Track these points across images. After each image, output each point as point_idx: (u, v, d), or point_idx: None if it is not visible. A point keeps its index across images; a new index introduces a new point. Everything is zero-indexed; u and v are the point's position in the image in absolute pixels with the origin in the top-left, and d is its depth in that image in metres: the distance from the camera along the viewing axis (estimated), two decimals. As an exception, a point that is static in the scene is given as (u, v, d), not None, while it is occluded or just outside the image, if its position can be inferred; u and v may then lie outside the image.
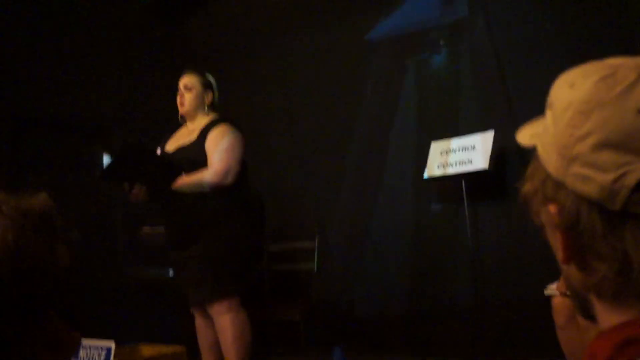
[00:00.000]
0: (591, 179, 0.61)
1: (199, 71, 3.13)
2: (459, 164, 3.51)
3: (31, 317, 0.78)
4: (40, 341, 0.80)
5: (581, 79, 0.65)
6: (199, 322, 3.05)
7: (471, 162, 3.46)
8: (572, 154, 0.63)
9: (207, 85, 3.10)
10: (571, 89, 0.65)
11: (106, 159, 2.89)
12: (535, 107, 0.79)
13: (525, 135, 0.72)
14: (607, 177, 0.60)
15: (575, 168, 0.62)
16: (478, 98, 3.87)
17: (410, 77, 4.21)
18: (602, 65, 0.65)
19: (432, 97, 4.10)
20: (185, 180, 2.85)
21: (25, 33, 4.40)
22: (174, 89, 3.12)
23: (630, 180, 0.59)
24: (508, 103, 3.69)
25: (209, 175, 2.86)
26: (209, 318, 2.95)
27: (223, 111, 3.15)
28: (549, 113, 0.67)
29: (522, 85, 3.64)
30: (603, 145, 0.61)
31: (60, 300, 0.83)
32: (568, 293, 0.74)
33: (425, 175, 3.66)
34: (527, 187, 0.70)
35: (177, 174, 2.83)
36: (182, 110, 3.07)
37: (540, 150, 0.68)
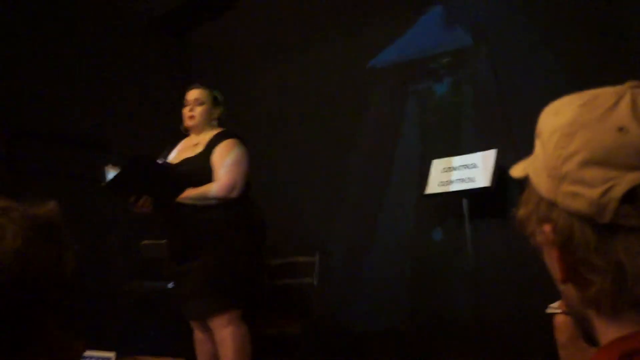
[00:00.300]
0: (580, 195, 0.64)
1: (208, 87, 3.17)
2: (461, 181, 3.52)
3: (37, 325, 0.79)
4: (46, 349, 0.80)
5: (564, 106, 0.70)
6: (198, 335, 3.05)
7: (473, 179, 3.47)
8: (561, 173, 0.66)
9: (216, 101, 3.14)
10: (556, 116, 0.69)
11: (108, 171, 2.87)
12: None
13: (518, 170, 0.77)
14: (595, 192, 0.63)
15: (565, 186, 0.66)
16: (480, 126, 3.88)
17: (413, 105, 4.24)
18: (584, 94, 0.70)
19: (433, 124, 4.12)
20: (191, 193, 2.87)
21: (27, 44, 4.43)
22: (175, 102, 3.15)
23: (617, 193, 0.62)
24: (509, 131, 3.69)
25: (215, 188, 2.88)
26: (208, 331, 2.94)
27: (228, 126, 3.18)
28: (537, 142, 0.72)
29: (524, 114, 3.65)
30: (589, 162, 0.64)
31: (66, 309, 0.84)
32: (569, 312, 0.76)
33: (426, 191, 3.67)
34: (522, 212, 0.73)
35: (184, 186, 2.84)
36: (190, 122, 3.10)
37: (532, 176, 0.72)
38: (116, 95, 4.86)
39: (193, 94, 3.11)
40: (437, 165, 3.71)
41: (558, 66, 3.56)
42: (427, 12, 4.24)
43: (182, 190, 2.85)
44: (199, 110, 3.08)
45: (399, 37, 4.35)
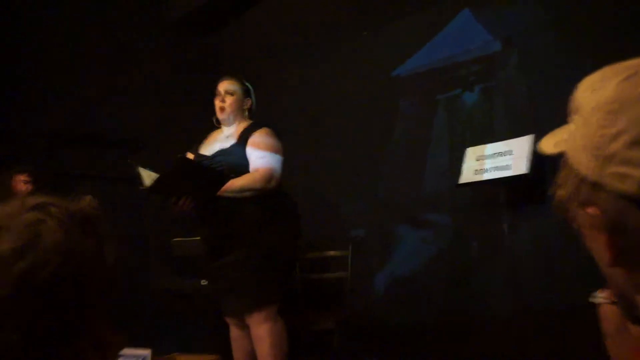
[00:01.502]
0: (629, 176, 0.62)
1: (238, 77, 3.17)
2: (496, 169, 3.48)
3: (79, 318, 0.80)
4: (88, 342, 0.81)
5: (602, 82, 0.67)
6: (234, 331, 3.07)
7: (509, 167, 3.42)
8: (607, 153, 0.63)
9: (246, 92, 3.15)
10: (595, 92, 0.67)
11: (142, 173, 2.91)
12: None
13: (548, 144, 0.74)
14: None
15: (612, 167, 0.63)
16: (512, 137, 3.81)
17: (441, 114, 4.18)
18: (620, 67, 0.67)
19: (464, 135, 4.04)
20: (229, 186, 2.88)
21: (61, 49, 4.52)
22: (206, 99, 3.17)
23: None
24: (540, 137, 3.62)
25: (253, 179, 2.89)
26: (244, 327, 2.96)
27: (259, 118, 3.20)
28: (574, 118, 0.69)
29: (555, 122, 3.57)
30: (637, 142, 0.62)
31: (107, 302, 0.85)
32: (616, 299, 0.74)
33: (460, 180, 3.63)
34: (561, 194, 0.71)
35: (224, 182, 2.86)
36: (222, 114, 3.11)
37: (570, 155, 0.69)
38: (148, 95, 4.93)
39: (223, 85, 3.12)
40: (471, 153, 3.66)
41: (591, 70, 3.46)
42: (453, 19, 4.17)
43: (222, 184, 2.86)
44: (229, 101, 3.09)
45: (424, 45, 4.30)
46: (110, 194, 4.14)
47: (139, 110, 4.87)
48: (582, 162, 0.66)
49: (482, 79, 4.02)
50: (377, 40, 4.54)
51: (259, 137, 2.99)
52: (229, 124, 3.12)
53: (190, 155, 3.16)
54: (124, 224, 4.41)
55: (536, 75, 3.75)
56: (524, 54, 3.82)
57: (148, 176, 2.87)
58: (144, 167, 2.92)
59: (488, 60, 3.99)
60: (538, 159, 3.45)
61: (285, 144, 3.23)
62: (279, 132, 3.10)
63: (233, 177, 2.89)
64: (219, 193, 2.87)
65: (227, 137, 3.08)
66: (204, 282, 3.83)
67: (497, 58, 3.95)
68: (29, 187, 3.43)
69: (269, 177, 2.90)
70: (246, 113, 3.14)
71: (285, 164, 3.17)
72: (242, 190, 2.89)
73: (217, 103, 3.12)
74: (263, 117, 3.39)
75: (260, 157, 2.93)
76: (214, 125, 3.19)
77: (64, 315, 0.77)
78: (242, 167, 2.93)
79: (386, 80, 4.46)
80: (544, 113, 3.64)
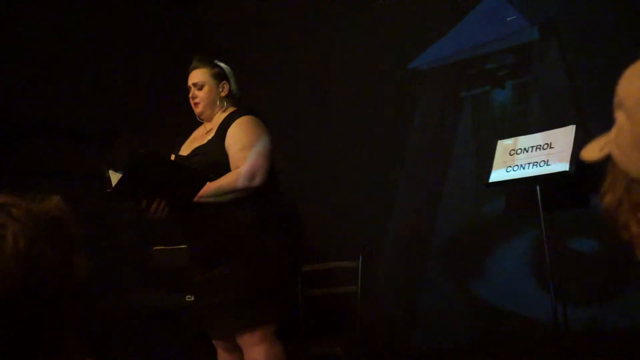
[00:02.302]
0: None
1: (207, 60, 3.15)
2: (533, 165, 3.48)
3: (43, 337, 0.81)
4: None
5: None
6: (223, 356, 3.07)
7: (548, 163, 3.42)
8: None
9: (220, 76, 3.13)
10: (635, 83, 0.68)
11: (112, 176, 2.90)
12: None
13: (593, 151, 0.75)
14: None
15: None
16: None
17: (467, 114, 4.15)
18: None
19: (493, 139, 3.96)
20: (207, 189, 2.87)
21: (22, 31, 4.52)
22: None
23: None
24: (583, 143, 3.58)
25: (233, 179, 2.88)
26: (234, 351, 2.96)
27: (247, 103, 3.18)
28: (620, 113, 0.70)
29: (604, 125, 3.53)
30: None
31: (76, 320, 0.85)
32: None
33: (491, 178, 3.63)
34: (609, 199, 0.72)
35: (202, 182, 2.85)
36: (197, 110, 3.12)
37: (617, 155, 0.70)
38: (123, 81, 4.93)
39: (191, 78, 3.12)
40: (503, 147, 3.66)
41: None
42: (481, 2, 4.10)
43: (200, 187, 2.86)
44: (200, 95, 3.09)
45: (445, 32, 4.23)
46: (79, 195, 4.16)
47: (113, 99, 4.87)
48: (631, 160, 0.67)
49: (515, 73, 3.95)
50: (392, 27, 4.49)
51: (236, 129, 2.97)
52: (209, 119, 3.13)
53: (172, 158, 3.16)
54: (96, 230, 4.43)
55: (582, 69, 3.68)
56: (566, 42, 3.74)
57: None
58: (117, 170, 2.91)
59: (522, 51, 3.92)
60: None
61: (287, 137, 3.23)
62: (264, 117, 3.07)
63: (212, 177, 2.88)
64: (195, 199, 2.87)
65: (207, 132, 3.08)
66: (189, 298, 3.84)
67: (533, 48, 3.89)
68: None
69: (251, 174, 2.88)
70: (224, 102, 3.12)
71: (285, 159, 3.17)
72: (220, 193, 2.87)
73: (190, 99, 3.13)
74: (260, 104, 3.38)
75: (239, 152, 2.92)
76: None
77: (26, 336, 0.77)
78: (222, 165, 2.92)
79: (402, 72, 4.44)
80: (590, 114, 3.58)
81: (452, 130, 4.18)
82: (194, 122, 3.24)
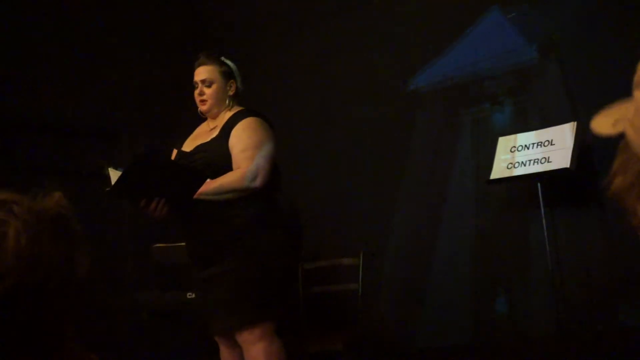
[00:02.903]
0: None
1: (215, 58, 3.15)
2: (534, 162, 3.48)
3: (45, 336, 0.80)
4: (56, 364, 0.82)
5: None
6: (224, 353, 3.08)
7: (549, 159, 3.42)
8: None
9: (228, 74, 3.13)
10: None
11: (112, 174, 2.92)
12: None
13: (605, 123, 0.71)
14: None
15: None
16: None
17: (467, 135, 4.11)
18: None
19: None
20: (207, 187, 2.88)
21: (23, 30, 4.52)
22: (192, 83, 3.16)
23: None
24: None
25: (234, 177, 2.89)
26: (236, 348, 2.97)
27: (247, 103, 3.18)
28: (636, 93, 0.67)
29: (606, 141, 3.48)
30: None
31: (78, 317, 0.85)
32: None
33: (491, 176, 3.63)
34: (619, 183, 0.69)
35: (201, 180, 2.85)
36: (203, 108, 3.12)
37: (633, 136, 0.67)
38: (123, 78, 4.93)
39: (199, 74, 3.11)
40: (504, 144, 3.65)
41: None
42: (479, 21, 4.03)
43: (199, 185, 2.86)
44: (209, 92, 3.09)
45: (445, 52, 4.17)
46: (79, 193, 4.15)
47: (113, 96, 4.86)
48: None
49: (514, 94, 3.90)
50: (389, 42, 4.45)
51: (242, 129, 2.98)
52: (214, 117, 3.13)
53: (174, 153, 3.16)
54: (96, 228, 4.42)
55: (581, 88, 3.63)
56: (566, 61, 3.69)
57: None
58: (117, 167, 2.92)
59: (522, 71, 3.88)
60: (583, 151, 3.45)
61: (286, 134, 3.22)
62: (270, 120, 3.08)
63: (210, 177, 2.88)
64: (195, 196, 2.87)
65: (211, 130, 3.08)
66: (190, 296, 3.84)
67: (532, 68, 3.84)
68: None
69: (253, 175, 2.89)
70: (230, 101, 3.12)
71: (285, 157, 3.16)
72: (220, 191, 2.89)
73: (196, 96, 3.12)
74: (260, 104, 3.37)
75: (242, 152, 2.93)
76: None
77: (27, 333, 0.77)
78: (224, 163, 2.93)
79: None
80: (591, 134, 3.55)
81: (453, 146, 4.15)
82: (195, 119, 3.24)
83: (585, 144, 3.43)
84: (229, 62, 3.17)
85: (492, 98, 4.01)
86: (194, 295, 3.43)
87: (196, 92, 3.12)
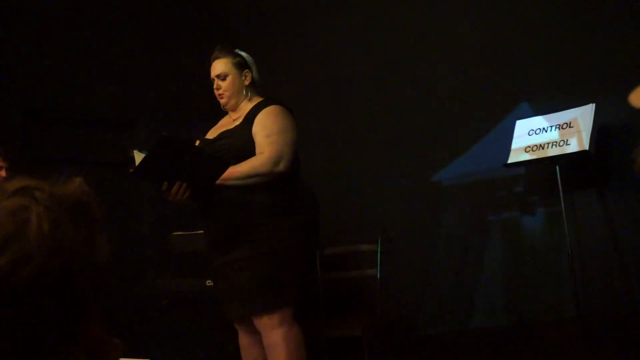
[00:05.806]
0: None
1: (228, 50, 3.16)
2: (552, 145, 3.45)
3: (69, 319, 0.81)
4: (80, 348, 0.82)
5: None
6: (244, 338, 3.10)
7: (567, 142, 3.39)
8: None
9: (242, 65, 3.14)
10: None
11: (136, 156, 2.97)
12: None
13: None
14: None
15: None
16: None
17: (496, 239, 4.02)
18: None
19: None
20: (231, 172, 2.89)
21: (38, 16, 4.55)
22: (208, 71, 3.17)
23: None
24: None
25: (258, 162, 2.91)
26: (255, 334, 2.99)
27: (267, 91, 3.20)
28: None
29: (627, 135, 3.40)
30: None
31: (100, 301, 0.86)
32: None
33: (510, 159, 3.61)
34: None
35: (224, 167, 2.87)
36: (222, 101, 3.15)
37: None
38: (141, 67, 4.95)
39: (214, 69, 3.13)
40: (522, 127, 3.63)
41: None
42: (509, 113, 3.92)
43: (221, 172, 2.88)
44: (225, 85, 3.11)
45: (471, 146, 4.10)
46: (98, 181, 4.18)
47: (133, 86, 4.89)
48: None
49: (546, 197, 3.78)
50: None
51: (265, 116, 3.00)
52: (234, 108, 3.14)
53: (197, 143, 3.19)
54: (115, 216, 4.47)
55: (616, 192, 3.56)
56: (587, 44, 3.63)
57: None
58: (141, 150, 2.95)
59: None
60: (602, 134, 3.42)
61: (306, 119, 3.22)
62: (291, 109, 3.10)
63: (233, 163, 2.90)
64: (219, 183, 2.89)
65: (234, 120, 3.11)
66: (209, 283, 3.87)
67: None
68: (3, 173, 3.47)
69: (276, 159, 2.91)
70: (248, 91, 3.13)
71: (303, 144, 3.17)
72: (245, 176, 2.90)
73: (215, 92, 3.14)
74: (279, 89, 3.37)
75: (266, 137, 2.94)
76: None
77: (51, 318, 0.78)
78: (247, 149, 2.95)
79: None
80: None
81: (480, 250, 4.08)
82: (212, 110, 3.25)
83: (603, 126, 3.41)
84: (242, 53, 3.18)
85: (521, 202, 3.95)
86: (212, 283, 3.45)
87: (214, 87, 3.14)
